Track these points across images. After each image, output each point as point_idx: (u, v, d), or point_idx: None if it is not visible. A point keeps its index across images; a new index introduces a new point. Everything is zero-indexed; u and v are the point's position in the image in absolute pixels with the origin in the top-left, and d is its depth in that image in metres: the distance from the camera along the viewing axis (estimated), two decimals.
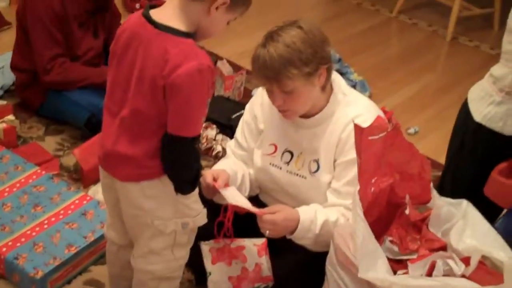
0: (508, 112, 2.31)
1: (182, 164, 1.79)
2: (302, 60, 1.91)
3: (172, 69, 1.64)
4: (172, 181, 1.81)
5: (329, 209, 2.02)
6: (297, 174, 2.12)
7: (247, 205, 2.01)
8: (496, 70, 2.30)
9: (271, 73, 1.91)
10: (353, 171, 1.92)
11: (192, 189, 1.85)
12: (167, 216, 1.87)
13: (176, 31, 1.68)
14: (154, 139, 1.76)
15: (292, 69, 1.90)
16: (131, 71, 1.73)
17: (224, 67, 3.59)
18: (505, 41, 2.24)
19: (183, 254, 1.99)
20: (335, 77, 2.09)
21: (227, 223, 2.00)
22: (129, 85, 1.74)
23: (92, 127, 3.03)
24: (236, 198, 2.02)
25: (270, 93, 2.00)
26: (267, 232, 1.96)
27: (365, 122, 1.82)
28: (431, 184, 1.92)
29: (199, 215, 1.92)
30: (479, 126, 2.37)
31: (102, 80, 3.06)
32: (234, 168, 2.16)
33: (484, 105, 2.36)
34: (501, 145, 2.35)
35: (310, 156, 2.10)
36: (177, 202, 1.86)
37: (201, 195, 2.01)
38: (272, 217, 1.95)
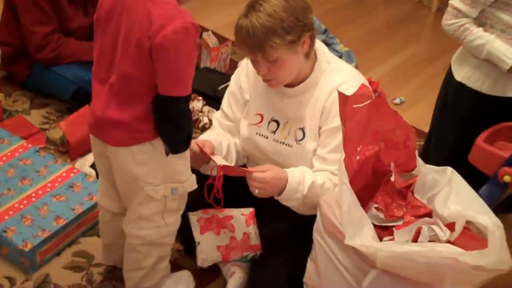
0: (486, 73, 2.37)
1: (176, 125, 1.80)
2: (285, 28, 1.91)
3: (157, 30, 1.65)
4: (166, 142, 1.83)
5: (316, 173, 2.04)
6: (283, 143, 2.13)
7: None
8: None
9: (254, 43, 1.91)
10: (338, 138, 1.93)
11: (186, 148, 1.87)
12: (157, 181, 1.89)
13: None
14: (144, 103, 1.77)
15: (275, 38, 1.90)
16: (117, 37, 1.74)
17: (210, 39, 3.57)
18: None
19: (173, 220, 2.01)
20: (319, 45, 2.09)
21: (217, 183, 2.01)
22: (116, 51, 1.75)
23: (78, 99, 3.01)
24: (223, 162, 2.03)
25: (255, 63, 2.00)
26: (256, 191, 1.96)
27: (349, 90, 1.83)
28: (416, 152, 1.93)
29: (188, 181, 1.94)
30: (460, 85, 2.44)
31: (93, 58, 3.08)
32: (218, 139, 2.16)
33: (464, 65, 2.42)
34: (481, 104, 2.41)
35: (296, 124, 2.11)
36: (167, 167, 1.87)
37: None
38: (261, 175, 1.96)
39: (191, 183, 1.95)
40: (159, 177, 1.88)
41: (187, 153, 1.91)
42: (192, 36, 1.68)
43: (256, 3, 1.92)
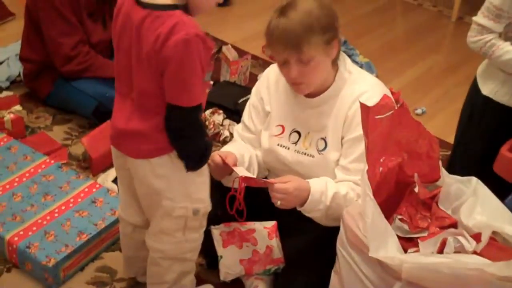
0: None
1: (185, 136, 1.81)
2: (322, 27, 1.92)
3: (162, 43, 1.67)
4: (180, 156, 1.83)
5: (339, 184, 2.03)
6: (305, 153, 2.12)
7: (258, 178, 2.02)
8: None
9: (292, 40, 1.91)
10: (361, 147, 1.92)
11: (200, 165, 1.87)
12: (176, 198, 1.89)
13: (162, 6, 1.70)
14: (162, 113, 1.79)
15: (313, 36, 1.91)
16: (130, 55, 1.77)
17: (230, 53, 3.58)
18: None
19: (195, 237, 2.00)
20: (341, 56, 2.09)
21: (238, 196, 2.00)
22: (131, 67, 1.78)
23: (100, 115, 3.03)
24: (246, 173, 2.02)
25: (286, 65, 1.99)
26: (278, 202, 1.95)
27: (371, 99, 1.82)
28: (440, 162, 1.91)
29: (209, 200, 1.95)
30: (487, 99, 2.41)
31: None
32: (241, 151, 2.16)
33: (491, 79, 2.39)
34: (508, 118, 2.38)
35: (318, 134, 2.10)
36: (186, 183, 1.88)
37: (210, 178, 2.03)
38: (283, 185, 1.95)
39: (210, 204, 1.97)
40: (178, 194, 1.89)
41: (206, 172, 1.92)
42: (194, 48, 1.67)
43: (289, 5, 1.94)
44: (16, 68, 3.40)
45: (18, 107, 3.05)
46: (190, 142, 1.83)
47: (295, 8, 1.92)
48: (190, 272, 2.10)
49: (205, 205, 1.95)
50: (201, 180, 1.91)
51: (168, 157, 1.84)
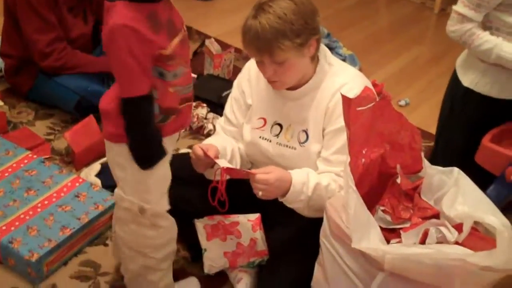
0: (494, 77, 2.35)
1: (127, 125, 1.79)
2: (294, 31, 1.90)
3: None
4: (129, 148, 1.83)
5: (321, 175, 2.03)
6: (287, 146, 2.12)
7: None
8: None
9: (263, 44, 1.91)
10: (342, 139, 1.92)
11: (145, 162, 1.85)
12: (126, 190, 1.92)
13: None
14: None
15: (284, 41, 1.89)
16: None
17: (213, 46, 3.57)
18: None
19: (152, 234, 1.98)
20: (321, 48, 2.09)
21: (220, 187, 1.99)
22: None
23: (82, 110, 3.02)
24: (228, 165, 2.02)
25: (261, 65, 2.00)
26: (260, 193, 1.94)
27: (351, 91, 1.82)
28: (422, 154, 1.92)
29: (156, 204, 1.94)
30: (467, 90, 2.41)
31: (97, 71, 3.06)
32: (223, 143, 2.16)
33: (471, 70, 2.40)
34: (489, 108, 2.40)
35: (299, 127, 2.10)
36: (138, 180, 1.88)
37: (191, 172, 2.04)
38: (265, 176, 1.94)
39: (160, 206, 1.95)
40: (129, 187, 1.90)
41: (162, 175, 1.91)
42: (119, 38, 1.65)
43: (265, 5, 1.92)
44: None
45: (0, 103, 3.03)
46: (133, 134, 1.80)
47: (269, 10, 1.90)
48: (157, 270, 2.06)
49: (153, 207, 1.93)
50: (153, 182, 1.89)
51: (126, 147, 1.83)
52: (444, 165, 1.92)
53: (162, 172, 1.91)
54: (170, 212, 1.98)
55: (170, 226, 2.01)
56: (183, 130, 2.75)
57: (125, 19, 1.65)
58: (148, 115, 1.78)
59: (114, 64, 1.71)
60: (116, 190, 1.94)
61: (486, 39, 2.27)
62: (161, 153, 1.86)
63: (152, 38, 1.69)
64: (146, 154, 1.84)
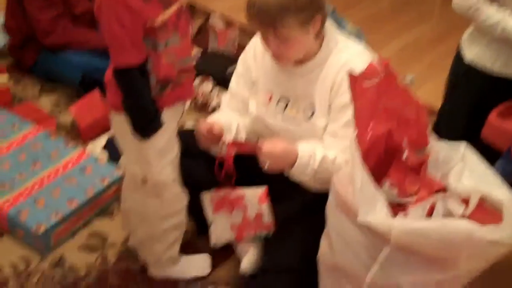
0: (497, 52, 2.35)
1: (123, 94, 1.80)
2: (298, 7, 1.89)
3: None
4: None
5: (327, 148, 2.03)
6: (293, 120, 2.12)
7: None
8: None
9: (266, 19, 1.90)
10: (349, 113, 1.92)
11: (143, 131, 1.86)
12: (129, 159, 1.96)
13: None
14: None
15: (288, 16, 1.89)
16: None
17: (217, 22, 3.56)
18: None
19: (156, 204, 2.03)
20: (327, 24, 2.08)
21: (228, 160, 1.99)
22: None
23: (86, 85, 3.02)
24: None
25: (265, 39, 1.99)
26: (267, 165, 1.95)
27: (357, 67, 1.82)
28: (429, 128, 1.92)
29: (158, 172, 1.96)
30: (471, 65, 2.42)
31: (101, 46, 3.07)
32: (228, 119, 2.16)
33: (475, 44, 2.40)
34: (492, 84, 2.39)
35: (305, 102, 2.10)
36: (138, 150, 1.91)
37: (198, 147, 2.05)
38: (271, 148, 1.95)
39: (163, 176, 1.97)
40: (130, 156, 1.95)
41: (159, 145, 1.91)
42: (107, 6, 1.68)
43: None
44: (2, 38, 3.36)
45: (4, 77, 3.02)
46: (126, 104, 1.82)
47: None
48: (162, 241, 2.10)
49: (155, 177, 1.95)
50: (153, 152, 1.91)
51: (125, 117, 1.85)
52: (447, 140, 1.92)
53: (162, 143, 1.92)
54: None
55: (174, 197, 2.04)
56: (187, 104, 2.75)
57: None
58: (140, 85, 1.79)
59: (104, 34, 1.72)
60: (121, 158, 1.96)
61: (491, 14, 2.27)
62: (156, 124, 1.86)
63: (141, 7, 1.69)
64: (140, 124, 1.85)
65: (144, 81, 1.78)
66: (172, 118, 1.93)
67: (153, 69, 1.79)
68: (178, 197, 2.05)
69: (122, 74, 1.77)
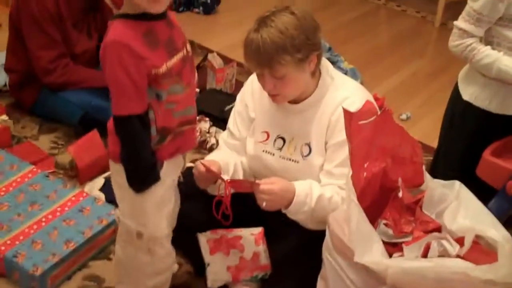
0: (493, 92, 2.37)
1: (121, 144, 1.77)
2: (295, 46, 1.92)
3: None
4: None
5: (324, 187, 2.04)
6: (290, 159, 2.13)
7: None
8: None
9: (263, 58, 1.92)
10: (345, 152, 1.93)
11: (139, 184, 1.82)
12: (124, 212, 1.92)
13: (114, 16, 1.73)
14: None
15: (285, 55, 1.91)
16: None
17: (215, 60, 3.60)
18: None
19: (147, 261, 1.97)
20: (323, 62, 2.11)
21: (225, 199, 2.00)
22: None
23: (86, 124, 3.03)
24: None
25: (261, 78, 2.02)
26: (264, 203, 1.96)
27: (353, 104, 1.84)
28: (424, 167, 1.93)
29: (155, 228, 1.93)
30: (468, 104, 2.43)
31: (101, 85, 3.09)
32: (225, 159, 2.17)
33: (472, 84, 2.42)
34: (488, 123, 2.41)
35: (302, 140, 2.12)
36: (134, 203, 1.87)
37: (195, 187, 2.04)
38: (269, 186, 1.96)
39: (158, 231, 1.94)
40: (126, 209, 1.91)
41: (156, 198, 1.87)
42: (112, 53, 1.65)
43: (268, 19, 1.94)
44: (2, 78, 3.39)
45: (4, 117, 3.04)
46: (124, 154, 1.78)
47: (270, 24, 1.92)
48: None
49: (150, 231, 1.92)
50: (149, 205, 1.87)
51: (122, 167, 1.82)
52: (443, 178, 1.93)
53: (159, 196, 1.88)
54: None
55: (165, 255, 2.00)
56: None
57: (119, 36, 1.66)
58: (140, 135, 1.74)
59: (108, 80, 1.69)
60: (117, 210, 1.94)
61: (487, 54, 2.29)
62: (154, 177, 1.82)
63: (146, 55, 1.67)
64: (137, 176, 1.81)
65: (144, 131, 1.74)
66: (172, 171, 1.91)
67: (155, 119, 1.76)
68: (169, 256, 2.03)
69: (122, 123, 1.73)
